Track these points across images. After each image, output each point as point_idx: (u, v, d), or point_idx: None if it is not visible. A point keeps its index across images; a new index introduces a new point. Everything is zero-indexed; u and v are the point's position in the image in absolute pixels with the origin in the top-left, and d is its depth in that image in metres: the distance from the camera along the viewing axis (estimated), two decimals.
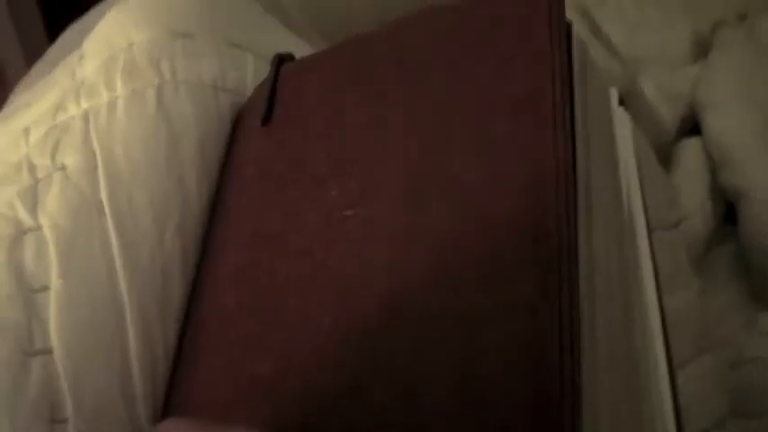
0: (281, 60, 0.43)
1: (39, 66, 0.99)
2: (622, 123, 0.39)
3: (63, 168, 0.39)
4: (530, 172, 0.29)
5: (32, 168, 0.40)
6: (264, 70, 0.44)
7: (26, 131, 0.43)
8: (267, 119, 0.40)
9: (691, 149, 0.71)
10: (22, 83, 0.96)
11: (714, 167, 0.68)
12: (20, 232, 0.37)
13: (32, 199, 0.38)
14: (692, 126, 0.78)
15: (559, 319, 0.26)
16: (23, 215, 0.38)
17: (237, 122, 0.43)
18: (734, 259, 0.63)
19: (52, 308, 0.34)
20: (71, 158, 0.39)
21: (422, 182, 0.32)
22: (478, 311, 0.28)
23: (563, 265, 0.27)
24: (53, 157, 0.40)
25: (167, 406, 0.35)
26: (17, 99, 0.83)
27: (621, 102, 0.40)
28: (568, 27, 0.33)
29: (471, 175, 0.31)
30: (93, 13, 1.19)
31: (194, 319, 0.37)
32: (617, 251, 0.34)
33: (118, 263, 0.36)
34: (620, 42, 0.99)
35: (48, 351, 0.33)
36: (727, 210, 0.67)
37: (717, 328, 0.55)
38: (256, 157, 0.40)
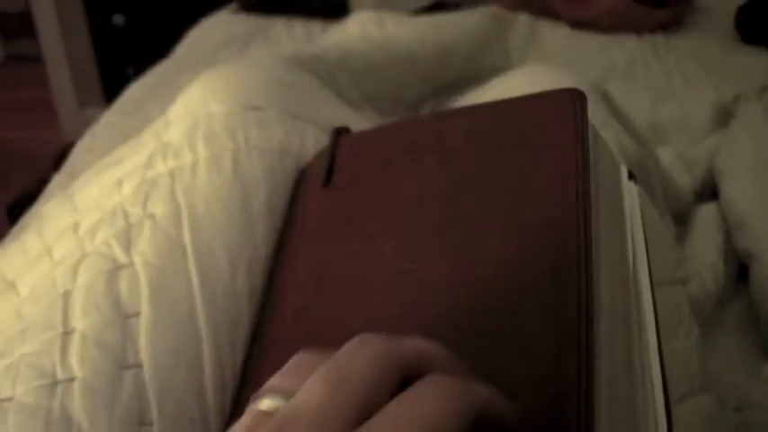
0: (339, 132, 0.50)
1: (107, 116, 1.08)
2: (631, 195, 0.45)
3: (152, 216, 0.46)
4: (555, 252, 0.35)
5: (126, 215, 0.47)
6: (322, 138, 0.52)
7: (119, 183, 0.50)
8: (328, 181, 0.47)
9: (706, 213, 0.76)
10: (90, 130, 1.05)
11: (729, 230, 0.73)
12: (116, 267, 0.44)
13: (126, 240, 0.45)
14: (711, 190, 0.83)
15: (577, 373, 0.32)
16: (119, 253, 0.45)
17: (300, 183, 0.49)
18: (746, 314, 0.67)
19: (142, 331, 0.41)
20: (160, 208, 0.46)
21: (463, 248, 0.38)
22: (508, 359, 0.34)
23: (581, 332, 0.33)
24: (144, 207, 0.47)
25: (233, 417, 0.41)
26: (89, 144, 0.91)
27: (632, 176, 0.47)
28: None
29: (504, 248, 0.37)
30: (155, 71, 1.30)
31: (259, 346, 0.43)
32: (622, 302, 0.39)
33: (197, 296, 0.42)
34: (645, 111, 1.05)
35: (138, 366, 0.40)
36: (741, 268, 0.72)
37: (725, 374, 0.59)
38: (317, 214, 0.46)
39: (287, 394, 0.27)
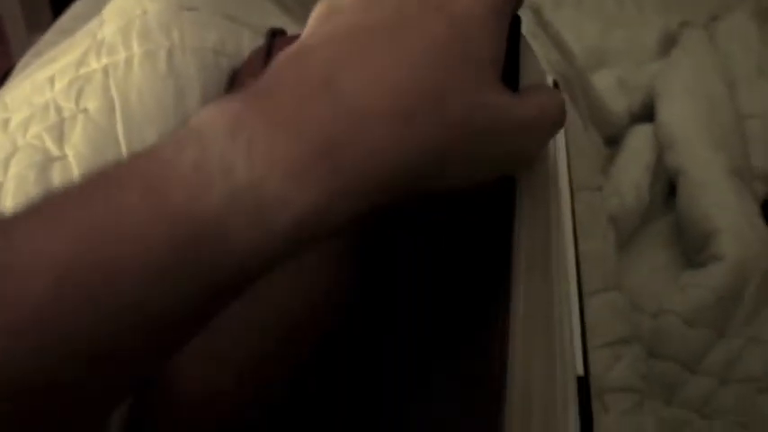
0: (274, 34, 0.51)
1: (48, 36, 1.06)
2: None
3: (85, 111, 0.46)
4: None
5: (59, 110, 0.47)
6: (258, 41, 0.52)
7: (51, 80, 0.50)
8: None
9: (640, 134, 0.78)
10: (32, 50, 1.03)
11: (661, 151, 0.76)
12: (48, 160, 0.44)
13: (59, 134, 0.45)
14: (650, 114, 0.86)
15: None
16: (51, 146, 0.45)
17: (234, 80, 0.50)
18: (673, 228, 0.71)
19: None
20: (93, 103, 0.46)
21: None
22: None
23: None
24: (77, 102, 0.47)
25: None
26: (31, 63, 0.90)
27: (556, 85, 0.48)
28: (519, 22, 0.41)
29: None
30: None
31: None
32: (542, 200, 0.41)
33: None
34: (594, 37, 1.06)
35: None
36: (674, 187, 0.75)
37: (646, 283, 0.63)
38: None
39: None
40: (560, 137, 0.46)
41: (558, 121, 0.34)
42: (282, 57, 0.28)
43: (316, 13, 0.32)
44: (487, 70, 0.29)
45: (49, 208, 0.24)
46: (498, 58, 0.30)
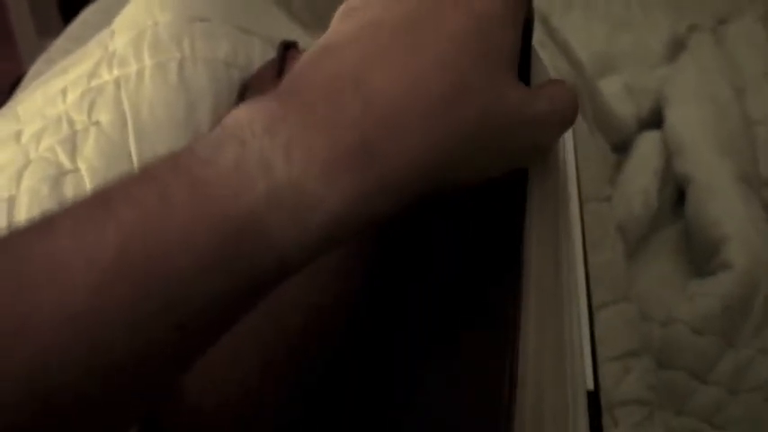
0: (287, 46, 0.51)
1: (59, 42, 1.06)
2: None
3: (98, 123, 0.47)
4: None
5: (71, 122, 0.47)
6: (269, 52, 0.52)
7: (63, 92, 0.50)
8: None
9: (648, 140, 0.78)
10: (43, 56, 1.04)
11: (669, 157, 0.76)
12: (61, 173, 0.45)
13: (71, 147, 0.46)
14: (659, 120, 0.86)
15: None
16: (64, 159, 0.45)
17: (244, 93, 0.50)
18: (682, 236, 0.71)
19: None
20: (105, 116, 0.47)
21: None
22: None
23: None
24: (89, 114, 0.47)
25: None
26: (42, 69, 0.90)
27: None
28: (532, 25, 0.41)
29: None
30: None
31: None
32: (551, 211, 0.41)
33: None
34: (601, 41, 1.06)
35: None
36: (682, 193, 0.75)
37: (655, 292, 0.63)
38: None
39: None
40: (569, 141, 0.47)
41: (571, 115, 0.35)
42: (308, 57, 0.29)
43: (338, 11, 0.33)
44: (505, 65, 0.30)
45: (92, 204, 0.24)
46: (515, 54, 0.31)
